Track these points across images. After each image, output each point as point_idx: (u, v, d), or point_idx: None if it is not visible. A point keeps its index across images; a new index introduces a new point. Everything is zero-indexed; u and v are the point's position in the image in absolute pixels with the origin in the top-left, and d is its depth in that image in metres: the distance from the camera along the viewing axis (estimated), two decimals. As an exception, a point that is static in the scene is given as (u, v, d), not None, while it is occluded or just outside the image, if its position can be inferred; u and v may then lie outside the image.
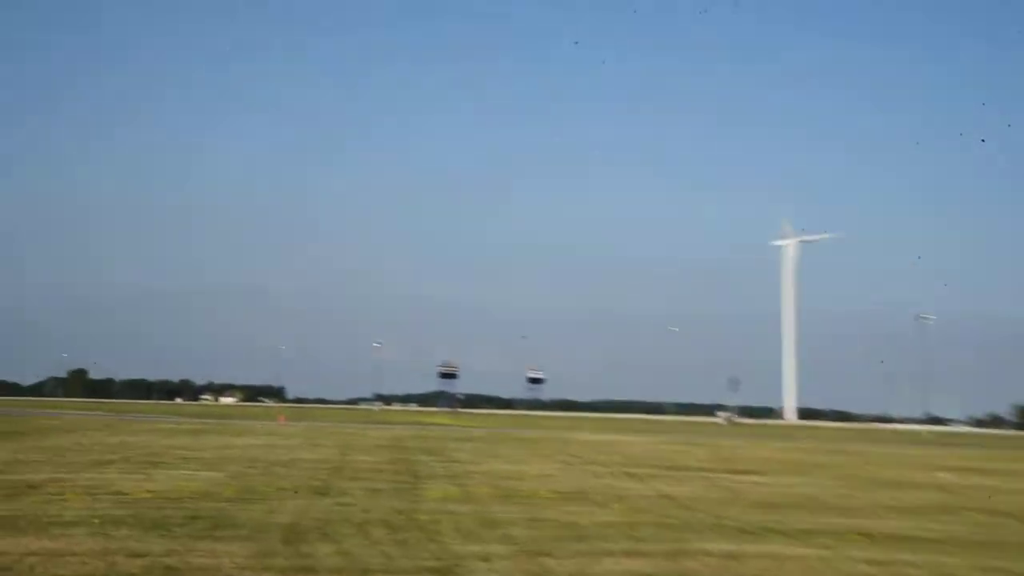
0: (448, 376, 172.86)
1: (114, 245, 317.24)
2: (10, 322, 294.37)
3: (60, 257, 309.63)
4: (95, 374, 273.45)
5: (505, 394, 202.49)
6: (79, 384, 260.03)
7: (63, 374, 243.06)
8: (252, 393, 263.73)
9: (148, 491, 16.14)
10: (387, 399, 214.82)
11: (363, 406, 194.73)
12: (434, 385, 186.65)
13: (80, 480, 17.92)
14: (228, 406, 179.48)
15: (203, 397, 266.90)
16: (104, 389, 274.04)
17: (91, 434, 37.55)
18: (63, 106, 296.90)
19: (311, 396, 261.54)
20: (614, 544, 11.90)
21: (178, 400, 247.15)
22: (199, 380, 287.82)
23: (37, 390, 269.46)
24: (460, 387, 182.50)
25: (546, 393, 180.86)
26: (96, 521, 12.29)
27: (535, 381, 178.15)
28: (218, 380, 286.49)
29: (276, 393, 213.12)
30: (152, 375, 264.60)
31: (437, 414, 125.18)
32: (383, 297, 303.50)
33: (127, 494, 15.64)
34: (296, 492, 16.74)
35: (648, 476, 22.75)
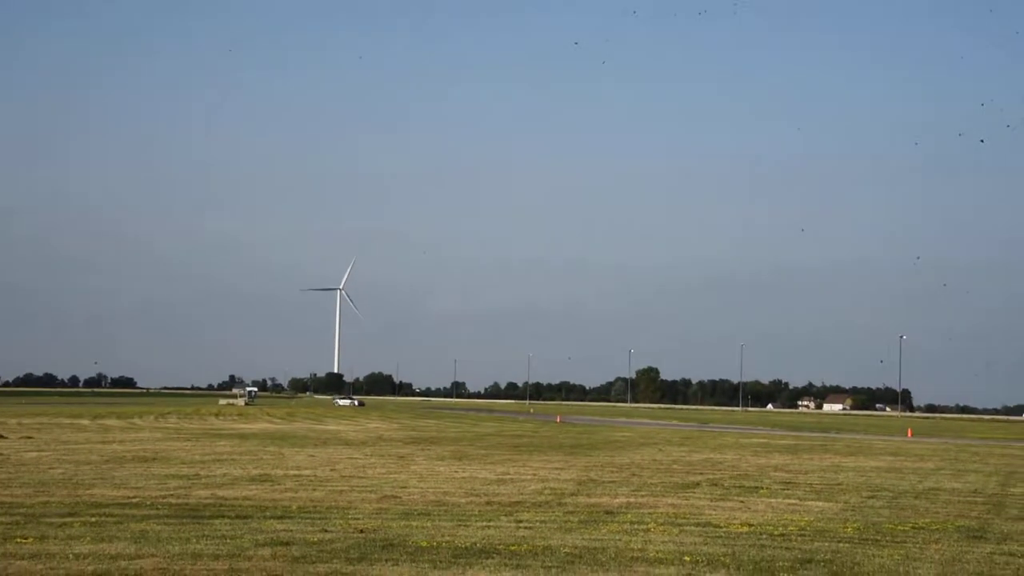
0: None
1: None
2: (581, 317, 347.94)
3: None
4: (666, 374, 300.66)
5: None
6: (650, 385, 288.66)
7: (631, 374, 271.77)
8: (866, 398, 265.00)
9: (745, 524, 17.14)
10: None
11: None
12: None
13: (662, 506, 19.79)
14: (833, 415, 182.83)
15: (801, 403, 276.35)
16: (677, 391, 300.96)
17: (669, 449, 41.35)
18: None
19: (947, 403, 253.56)
20: None
21: (769, 407, 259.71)
22: (796, 381, 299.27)
23: (604, 392, 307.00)
24: None
25: None
26: (686, 559, 13.38)
27: None
28: (819, 381, 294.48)
29: (898, 398, 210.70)
30: (731, 375, 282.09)
31: None
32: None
33: (719, 526, 16.80)
34: (940, 532, 16.33)
35: None
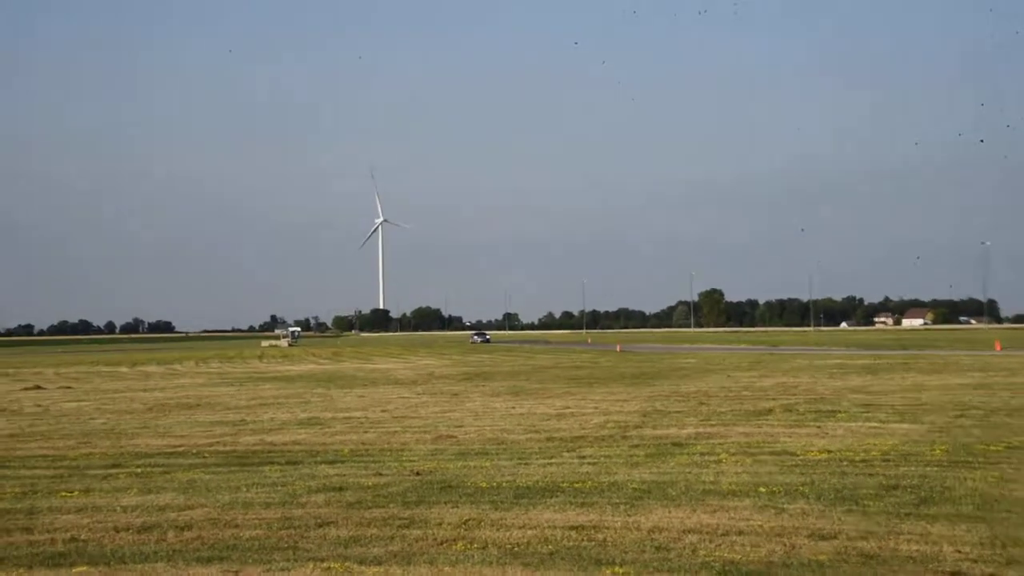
0: None
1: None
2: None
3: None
4: (731, 296, 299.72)
5: None
6: (714, 308, 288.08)
7: (694, 297, 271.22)
8: (948, 312, 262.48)
9: (823, 451, 17.07)
10: None
11: None
12: None
13: (733, 435, 19.76)
14: (913, 331, 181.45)
15: (878, 320, 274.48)
16: (743, 313, 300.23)
17: (738, 375, 41.27)
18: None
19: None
20: None
21: (843, 325, 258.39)
22: (871, 297, 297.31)
23: (665, 318, 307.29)
24: None
25: None
26: (762, 490, 13.36)
27: None
28: (897, 295, 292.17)
29: (984, 309, 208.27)
30: (801, 293, 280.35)
31: None
32: None
33: (796, 454, 16.74)
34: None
35: None
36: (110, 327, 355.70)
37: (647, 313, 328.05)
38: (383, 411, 27.28)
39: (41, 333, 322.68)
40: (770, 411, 24.55)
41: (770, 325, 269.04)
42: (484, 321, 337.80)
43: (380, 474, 15.53)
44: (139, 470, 16.69)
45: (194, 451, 19.18)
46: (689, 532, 11.04)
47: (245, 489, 14.38)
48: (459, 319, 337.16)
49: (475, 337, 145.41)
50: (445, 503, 12.97)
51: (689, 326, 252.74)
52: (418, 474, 15.42)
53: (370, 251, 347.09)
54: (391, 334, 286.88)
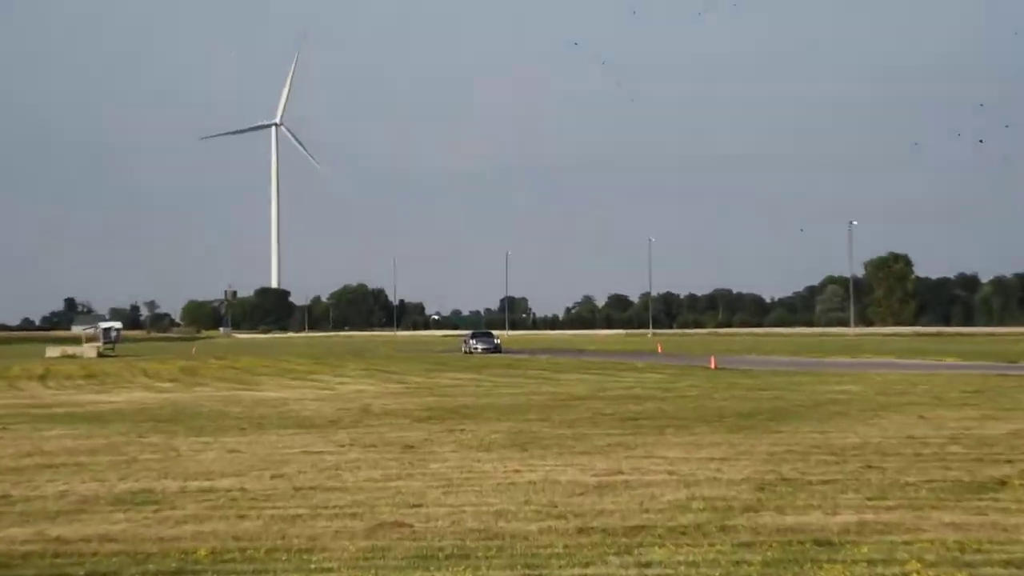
0: None
1: None
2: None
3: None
4: (924, 268, 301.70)
5: None
6: (895, 289, 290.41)
7: (855, 270, 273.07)
8: None
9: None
10: None
11: None
12: None
13: (932, 527, 19.85)
14: None
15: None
16: (952, 300, 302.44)
17: (940, 415, 41.17)
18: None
19: None
20: None
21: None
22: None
23: (800, 307, 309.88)
24: None
25: None
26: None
27: None
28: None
29: None
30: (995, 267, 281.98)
31: None
32: None
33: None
34: None
35: None
36: None
37: (768, 299, 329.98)
38: (275, 477, 27.24)
39: None
40: (1004, 483, 24.57)
41: (1003, 323, 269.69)
42: (465, 313, 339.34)
43: (267, 598, 15.48)
44: None
45: (-86, 551, 19.11)
46: None
47: (9, 626, 14.28)
48: (419, 308, 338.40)
49: (473, 342, 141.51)
50: (388, 651, 12.90)
51: (847, 323, 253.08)
52: None
53: (258, 192, 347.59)
54: (292, 335, 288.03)
